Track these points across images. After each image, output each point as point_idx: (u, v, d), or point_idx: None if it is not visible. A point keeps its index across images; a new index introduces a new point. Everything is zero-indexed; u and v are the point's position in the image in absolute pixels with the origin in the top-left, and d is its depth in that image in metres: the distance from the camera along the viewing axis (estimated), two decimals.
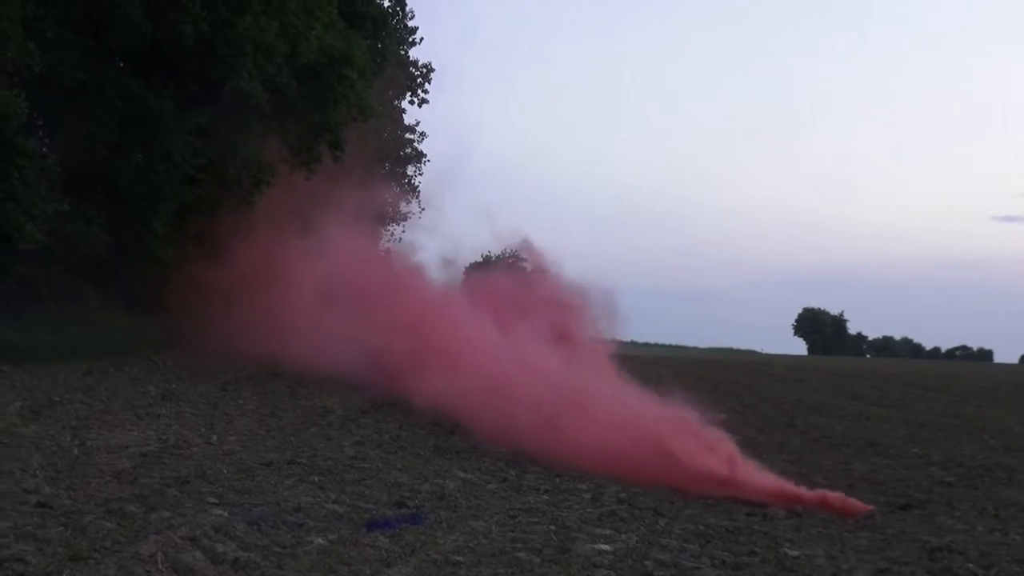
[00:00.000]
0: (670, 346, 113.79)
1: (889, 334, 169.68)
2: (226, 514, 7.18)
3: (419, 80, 42.29)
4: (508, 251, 59.82)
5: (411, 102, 42.71)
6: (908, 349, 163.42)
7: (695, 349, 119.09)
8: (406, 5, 36.44)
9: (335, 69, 26.17)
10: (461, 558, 6.52)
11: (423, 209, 41.02)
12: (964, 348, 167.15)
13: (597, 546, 7.15)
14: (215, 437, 11.28)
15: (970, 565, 7.39)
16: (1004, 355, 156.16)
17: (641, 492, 9.84)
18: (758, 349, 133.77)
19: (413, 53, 40.87)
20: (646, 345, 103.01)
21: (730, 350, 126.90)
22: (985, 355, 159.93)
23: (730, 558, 7.16)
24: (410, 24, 38.82)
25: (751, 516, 9.01)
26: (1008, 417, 24.67)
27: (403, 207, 45.65)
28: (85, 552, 5.85)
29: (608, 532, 7.73)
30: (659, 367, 46.31)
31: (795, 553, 7.32)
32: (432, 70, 41.77)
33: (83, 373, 17.60)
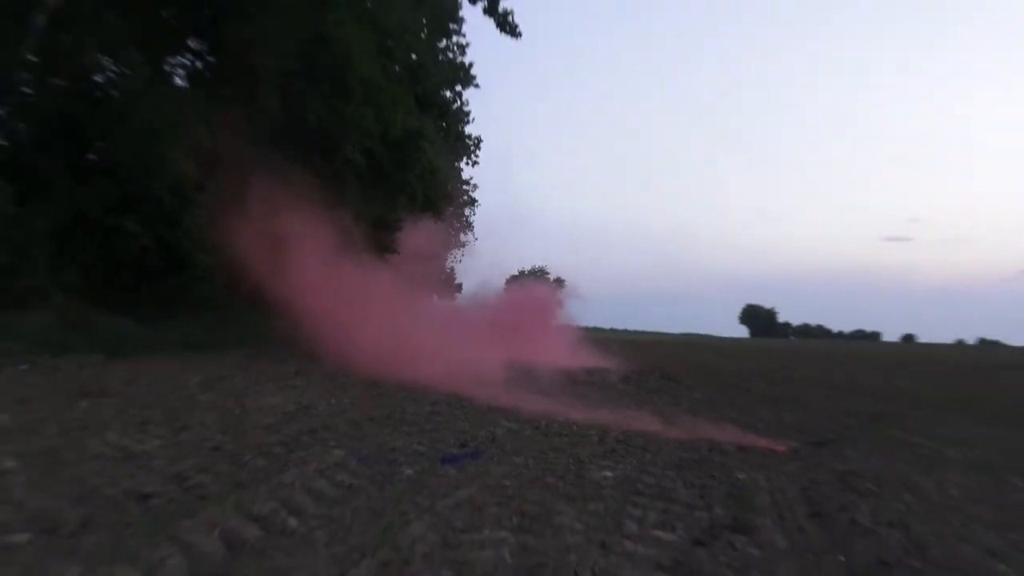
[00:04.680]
0: (653, 332, 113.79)
1: (807, 321, 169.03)
2: (343, 454, 7.21)
3: (472, 148, 42.72)
4: (536, 267, 61.23)
5: (467, 163, 43.23)
6: (821, 332, 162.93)
7: (670, 334, 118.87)
8: (462, 95, 36.54)
9: (414, 142, 26.38)
10: (508, 482, 6.50)
11: (476, 239, 42.92)
12: (860, 331, 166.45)
13: (603, 473, 7.10)
14: (334, 400, 11.26)
15: (868, 484, 7.32)
16: (889, 336, 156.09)
17: (634, 435, 9.75)
18: (714, 334, 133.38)
19: (468, 129, 41.13)
20: (638, 332, 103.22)
21: (694, 335, 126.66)
22: (875, 335, 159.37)
23: (697, 480, 7.08)
24: (465, 108, 38.95)
25: (711, 451, 8.90)
26: (890, 380, 24.48)
27: (461, 238, 47.00)
28: (245, 481, 5.87)
29: (610, 463, 7.62)
30: (642, 348, 46.19)
31: (743, 476, 7.25)
32: (481, 140, 42.08)
33: (242, 357, 17.75)
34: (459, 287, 47.89)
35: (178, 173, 18.38)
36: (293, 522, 4.93)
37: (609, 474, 7.08)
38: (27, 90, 16.97)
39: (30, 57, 16.42)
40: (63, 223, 16.05)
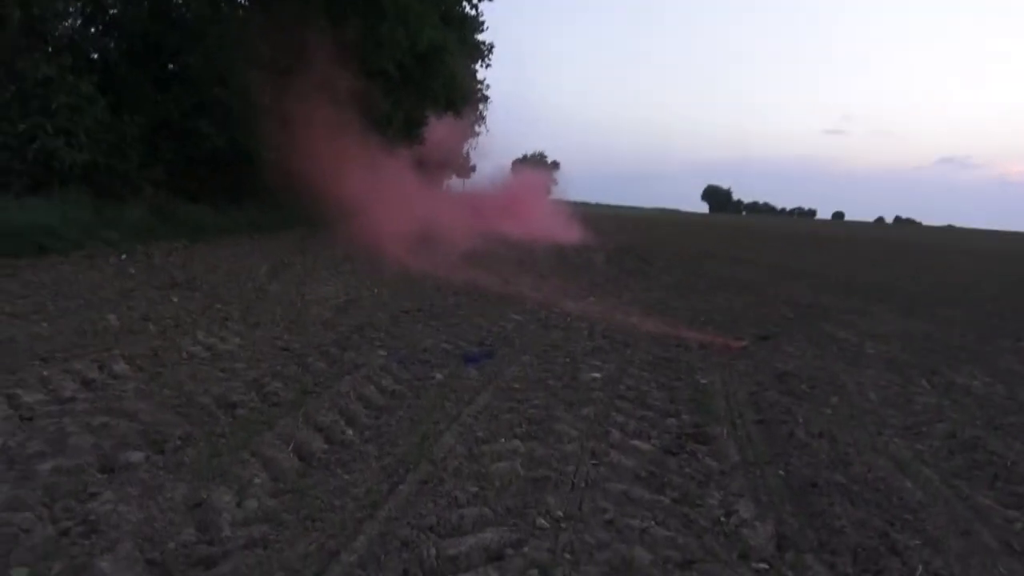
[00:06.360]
0: (631, 207, 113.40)
1: (756, 200, 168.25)
2: (385, 354, 7.28)
3: (485, 53, 42.01)
4: (536, 152, 62.58)
5: (481, 66, 42.71)
6: (767, 208, 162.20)
7: (644, 208, 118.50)
8: (478, 7, 35.51)
9: (438, 55, 25.96)
10: (517, 385, 6.57)
11: (488, 130, 43.95)
12: (799, 208, 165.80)
13: (592, 375, 7.18)
14: (376, 290, 11.26)
15: (803, 386, 7.41)
16: (823, 213, 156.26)
17: (616, 329, 9.80)
18: (680, 209, 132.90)
19: (482, 36, 40.21)
20: (618, 207, 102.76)
21: (664, 209, 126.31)
22: (812, 212, 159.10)
23: (667, 382, 7.17)
24: (480, 19, 37.95)
25: (678, 347, 8.96)
26: (823, 266, 24.41)
27: (476, 129, 47.36)
28: (311, 387, 5.93)
29: (597, 363, 7.67)
30: (621, 223, 45.94)
31: (705, 381, 7.34)
32: (493, 46, 41.34)
33: (298, 239, 17.73)
34: (473, 168, 48.57)
35: (243, 82, 17.94)
36: (350, 432, 5.04)
37: (597, 375, 7.17)
38: (114, 11, 16.27)
39: None
40: (149, 127, 15.71)
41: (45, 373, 5.53)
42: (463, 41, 35.43)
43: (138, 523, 3.51)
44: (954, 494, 4.85)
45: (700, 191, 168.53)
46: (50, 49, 14.29)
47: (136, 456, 4.26)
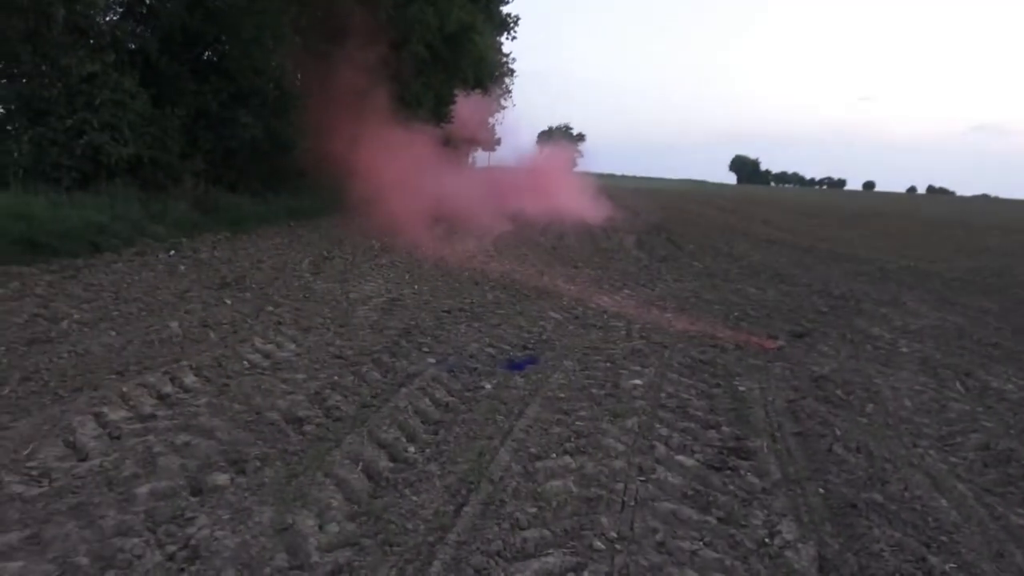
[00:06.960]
0: (658, 179, 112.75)
1: (784, 170, 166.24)
2: (434, 361, 7.59)
3: (511, 25, 42.62)
4: (562, 124, 63.99)
5: (507, 38, 43.46)
6: (796, 179, 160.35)
7: (671, 180, 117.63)
8: None
9: (466, 34, 26.30)
10: (563, 394, 6.84)
11: (514, 105, 45.35)
12: (829, 178, 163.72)
13: (632, 381, 7.41)
14: (416, 286, 11.49)
15: (839, 392, 7.63)
16: (852, 183, 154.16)
17: (652, 327, 10.00)
18: (708, 180, 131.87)
19: (507, 9, 40.78)
20: (645, 179, 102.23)
21: (691, 180, 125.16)
22: (841, 183, 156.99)
23: (706, 389, 7.39)
24: None
25: (713, 348, 9.14)
26: (858, 247, 24.28)
27: (502, 103, 48.27)
28: (369, 400, 6.25)
29: (637, 368, 7.89)
30: (647, 198, 45.69)
31: (743, 388, 7.55)
32: (519, 18, 42.09)
33: (332, 227, 18.07)
34: (499, 142, 49.67)
35: (278, 72, 18.29)
36: (411, 449, 5.38)
37: (639, 382, 7.41)
38: (150, 1, 16.57)
39: None
40: (189, 118, 16.07)
41: (124, 389, 5.91)
42: (489, 16, 35.80)
43: (235, 549, 3.88)
44: (988, 513, 5.10)
45: (728, 162, 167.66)
46: (92, 41, 14.64)
47: (222, 478, 4.63)
